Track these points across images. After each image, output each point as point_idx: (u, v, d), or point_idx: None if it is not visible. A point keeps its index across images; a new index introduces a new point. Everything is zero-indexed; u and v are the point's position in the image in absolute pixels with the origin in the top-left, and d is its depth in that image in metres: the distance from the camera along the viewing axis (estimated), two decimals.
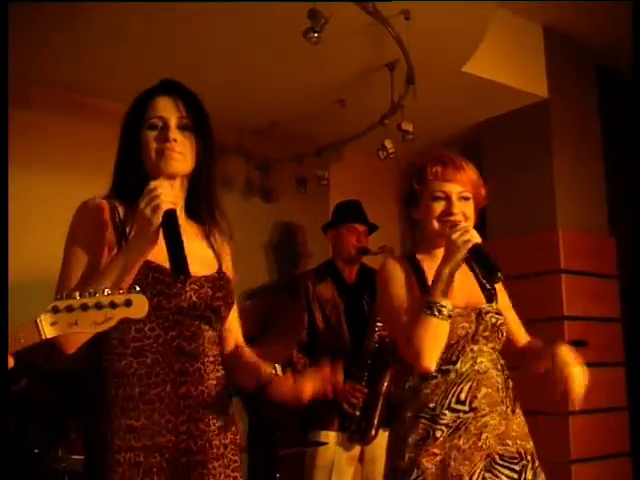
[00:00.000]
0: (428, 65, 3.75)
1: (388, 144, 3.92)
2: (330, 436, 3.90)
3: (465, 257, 2.22)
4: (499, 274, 2.18)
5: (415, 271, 2.39)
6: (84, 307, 1.61)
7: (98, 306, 1.62)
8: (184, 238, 1.85)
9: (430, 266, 2.35)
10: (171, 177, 2.00)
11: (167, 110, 2.01)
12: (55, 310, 1.60)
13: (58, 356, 1.90)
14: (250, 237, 4.43)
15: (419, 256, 2.44)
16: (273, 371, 2.07)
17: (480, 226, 4.67)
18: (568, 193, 4.46)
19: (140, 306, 1.65)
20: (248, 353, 2.22)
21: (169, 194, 1.84)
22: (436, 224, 2.37)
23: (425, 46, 3.58)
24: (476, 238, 2.21)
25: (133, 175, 1.99)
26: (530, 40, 4.46)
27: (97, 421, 1.96)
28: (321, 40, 2.97)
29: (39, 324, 1.58)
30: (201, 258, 2.08)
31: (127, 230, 1.96)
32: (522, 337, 2.53)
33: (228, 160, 4.62)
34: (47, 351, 1.80)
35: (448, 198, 2.35)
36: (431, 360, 2.21)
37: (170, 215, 1.80)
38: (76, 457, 2.90)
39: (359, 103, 4.15)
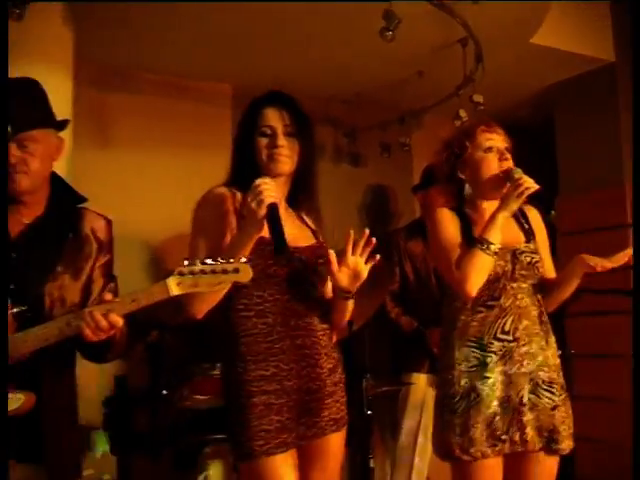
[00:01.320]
0: (498, 39, 4.04)
1: (462, 113, 4.24)
2: (421, 378, 4.29)
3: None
4: (553, 213, 2.56)
5: (462, 220, 2.73)
6: (203, 272, 2.06)
7: (213, 272, 2.07)
8: (287, 221, 2.31)
9: (475, 220, 2.72)
10: (279, 176, 2.44)
11: (274, 120, 2.45)
12: (180, 274, 2.06)
13: (184, 317, 2.38)
14: (341, 199, 4.73)
15: (467, 210, 2.77)
16: None
17: (553, 181, 5.00)
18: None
19: (246, 273, 2.09)
20: None
21: (272, 190, 2.25)
22: (494, 171, 2.68)
23: (495, 21, 3.88)
24: (534, 187, 2.57)
25: (247, 170, 2.43)
26: (596, 6, 4.65)
27: (234, 373, 2.42)
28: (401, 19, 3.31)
29: (167, 284, 2.06)
30: (303, 234, 2.54)
31: (241, 213, 2.40)
32: (551, 272, 2.86)
33: (318, 129, 4.99)
34: (172, 309, 2.29)
35: (498, 149, 2.70)
36: (473, 287, 2.58)
37: (272, 208, 2.22)
38: (199, 397, 3.41)
39: (436, 75, 4.43)
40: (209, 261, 2.07)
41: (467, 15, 3.70)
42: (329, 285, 2.57)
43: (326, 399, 2.47)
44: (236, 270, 2.06)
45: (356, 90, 4.86)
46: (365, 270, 2.46)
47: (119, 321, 2.06)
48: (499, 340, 2.64)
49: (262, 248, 2.32)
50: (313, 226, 2.62)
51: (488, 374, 2.62)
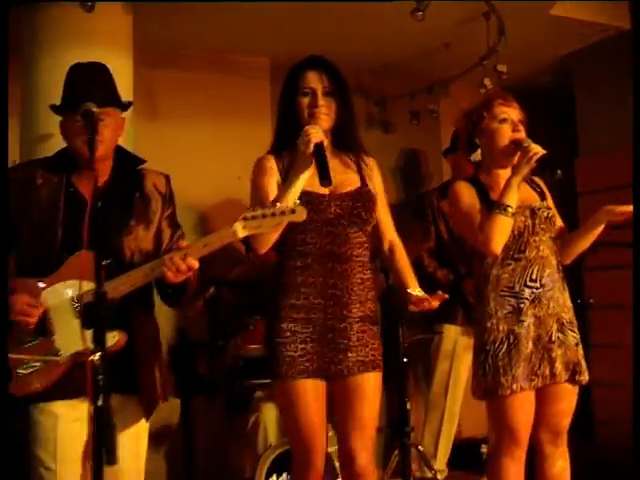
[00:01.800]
0: (519, 12, 4.31)
1: (487, 82, 4.55)
2: (452, 329, 4.65)
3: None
4: (559, 172, 2.89)
5: (478, 188, 3.06)
6: (264, 215, 2.41)
7: (273, 214, 2.41)
8: (332, 167, 2.61)
9: (491, 186, 3.05)
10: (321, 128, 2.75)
11: (315, 81, 2.78)
12: (245, 219, 2.40)
13: (238, 268, 2.74)
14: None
15: (482, 177, 3.10)
16: (416, 293, 2.88)
17: (572, 144, 5.26)
18: None
19: (300, 213, 2.42)
20: (399, 256, 2.99)
21: (318, 132, 2.60)
22: (506, 141, 3.01)
23: None
24: (541, 152, 2.89)
25: (291, 128, 2.75)
26: None
27: (273, 300, 2.80)
28: None
29: (235, 228, 2.41)
30: (345, 179, 2.83)
31: (288, 170, 2.74)
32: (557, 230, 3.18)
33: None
34: (227, 265, 2.65)
35: (512, 120, 3.02)
36: (498, 246, 2.92)
37: (318, 146, 2.56)
38: (251, 346, 3.76)
39: (462, 46, 4.67)
40: (269, 206, 2.43)
41: None
42: (382, 227, 2.94)
43: (352, 341, 2.76)
44: (292, 211, 2.41)
45: (386, 61, 5.12)
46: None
47: (195, 264, 2.42)
48: (528, 287, 2.98)
49: (301, 198, 2.62)
50: (364, 166, 2.91)
51: (523, 318, 2.97)
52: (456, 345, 4.65)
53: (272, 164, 2.82)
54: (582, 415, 4.16)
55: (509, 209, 2.90)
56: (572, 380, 3.03)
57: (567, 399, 3.07)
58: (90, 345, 2.18)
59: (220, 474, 4.27)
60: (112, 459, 1.95)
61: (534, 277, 3.00)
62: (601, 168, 5.00)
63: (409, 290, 2.89)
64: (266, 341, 2.84)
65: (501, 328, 2.98)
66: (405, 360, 3.94)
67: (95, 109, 2.42)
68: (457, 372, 4.67)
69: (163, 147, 4.42)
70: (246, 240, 2.51)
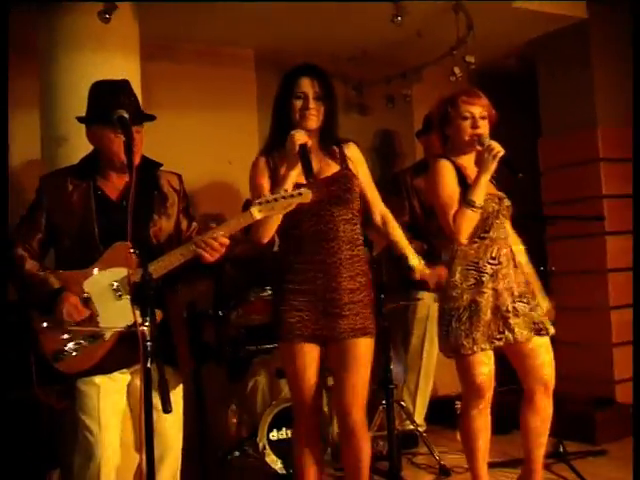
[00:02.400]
0: (486, 5, 4.72)
1: (457, 70, 4.92)
2: (426, 295, 5.05)
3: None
4: (520, 175, 3.30)
5: (455, 169, 3.47)
6: (276, 199, 2.85)
7: (284, 197, 2.85)
8: (318, 159, 3.11)
9: (461, 164, 3.47)
10: (309, 129, 3.17)
11: (307, 87, 3.18)
12: (259, 203, 2.84)
13: (240, 247, 3.12)
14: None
15: (451, 157, 3.50)
16: (416, 263, 3.32)
17: (535, 123, 5.64)
18: (605, 96, 5.31)
19: (306, 195, 2.87)
20: (392, 227, 3.43)
21: (302, 136, 3.03)
22: (466, 137, 3.45)
23: None
24: (502, 151, 3.31)
25: (283, 129, 3.16)
26: None
27: (275, 275, 3.24)
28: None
29: (251, 211, 2.84)
30: (326, 167, 3.24)
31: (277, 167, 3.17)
32: None
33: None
34: (232, 243, 3.02)
35: (473, 117, 3.44)
36: (464, 236, 3.36)
37: (302, 147, 3.00)
38: (252, 316, 4.15)
39: (434, 36, 4.98)
40: (280, 191, 2.88)
41: None
42: (371, 201, 3.37)
43: (344, 311, 3.16)
44: (299, 194, 2.85)
45: (363, 49, 5.45)
46: None
47: (226, 241, 2.86)
48: (489, 263, 3.44)
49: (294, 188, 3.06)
50: (346, 153, 3.30)
51: (483, 289, 3.42)
52: (430, 310, 5.08)
53: (263, 164, 3.25)
54: None
55: (477, 204, 3.34)
56: (538, 335, 3.49)
57: (543, 350, 3.52)
58: (130, 322, 2.62)
59: (225, 433, 4.69)
60: (168, 408, 2.36)
61: (494, 255, 3.46)
62: (562, 146, 5.44)
63: (410, 261, 3.31)
64: (272, 310, 3.28)
65: (465, 297, 3.43)
66: (386, 324, 4.39)
67: (126, 115, 2.79)
68: (431, 335, 5.08)
69: (157, 135, 4.72)
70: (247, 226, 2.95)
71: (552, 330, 3.53)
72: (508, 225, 3.55)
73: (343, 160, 3.28)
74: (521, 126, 5.76)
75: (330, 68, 5.43)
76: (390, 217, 3.45)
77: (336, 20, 4.93)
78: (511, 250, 3.51)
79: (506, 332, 3.42)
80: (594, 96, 5.32)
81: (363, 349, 3.20)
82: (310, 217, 3.16)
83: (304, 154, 3.00)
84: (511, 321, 3.41)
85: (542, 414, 3.57)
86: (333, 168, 3.26)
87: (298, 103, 3.18)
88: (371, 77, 5.74)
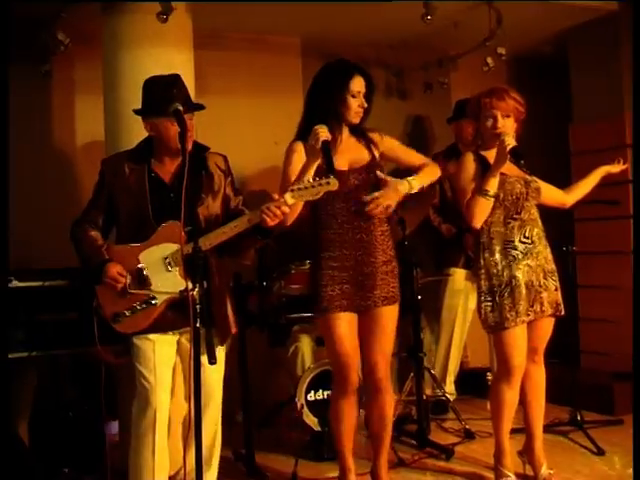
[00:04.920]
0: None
1: (489, 60, 5.20)
2: (457, 271, 5.40)
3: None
4: (522, 162, 3.59)
5: (480, 161, 3.76)
6: (306, 187, 3.17)
7: (313, 186, 3.17)
8: (348, 148, 3.44)
9: (487, 156, 3.74)
10: (354, 125, 3.51)
11: (361, 86, 3.48)
12: (292, 190, 3.17)
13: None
14: (392, 127, 5.30)
15: (481, 151, 3.80)
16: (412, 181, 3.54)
17: (568, 109, 5.83)
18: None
19: (334, 184, 3.17)
20: (428, 165, 3.70)
21: (325, 132, 3.26)
22: (488, 134, 3.75)
23: None
24: (512, 144, 3.56)
25: (326, 118, 3.41)
26: None
27: (314, 254, 3.57)
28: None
29: (286, 197, 3.16)
30: (359, 157, 3.55)
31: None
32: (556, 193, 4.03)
33: (372, 70, 5.93)
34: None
35: (494, 117, 3.72)
36: (477, 221, 3.66)
37: (325, 143, 3.25)
38: (292, 286, 4.48)
39: (469, 26, 5.25)
40: (310, 180, 3.18)
41: None
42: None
43: (378, 281, 3.51)
44: (327, 183, 3.16)
45: (403, 37, 5.69)
46: None
47: (287, 209, 3.19)
48: (522, 243, 3.74)
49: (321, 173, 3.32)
50: (375, 138, 3.59)
51: (520, 266, 3.72)
52: (460, 285, 5.41)
53: (299, 149, 3.52)
54: (570, 346, 4.93)
55: (490, 193, 3.62)
56: (554, 315, 3.82)
57: (547, 328, 3.85)
58: (179, 290, 3.01)
59: (267, 394, 5.08)
60: (212, 360, 2.74)
61: (527, 235, 3.75)
62: (591, 132, 5.68)
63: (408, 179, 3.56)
64: (310, 285, 3.60)
65: (505, 274, 3.72)
66: (419, 297, 4.72)
67: (181, 107, 3.15)
68: (463, 308, 5.44)
69: (208, 119, 5.08)
70: None
71: (563, 312, 3.84)
72: (535, 207, 3.82)
73: (370, 149, 3.59)
74: (554, 111, 6.02)
75: (371, 55, 5.90)
76: (432, 163, 3.75)
77: (378, 10, 5.13)
78: (542, 230, 3.81)
79: (535, 306, 3.73)
80: (622, 84, 5.51)
81: (391, 315, 3.57)
82: (346, 200, 3.48)
83: (326, 150, 3.22)
84: (542, 295, 3.73)
85: (537, 389, 3.90)
86: (364, 156, 3.57)
87: (354, 101, 3.46)
88: (410, 64, 6.05)
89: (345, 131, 3.53)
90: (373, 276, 3.52)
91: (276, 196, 3.20)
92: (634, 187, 4.95)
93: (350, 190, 3.47)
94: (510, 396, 3.81)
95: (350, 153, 3.52)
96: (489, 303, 3.74)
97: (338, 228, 3.51)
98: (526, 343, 3.76)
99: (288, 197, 3.18)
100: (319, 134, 3.25)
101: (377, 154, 3.60)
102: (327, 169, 3.22)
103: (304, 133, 3.48)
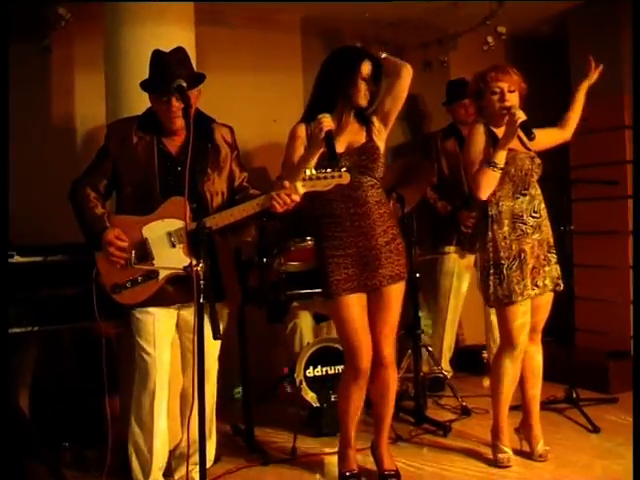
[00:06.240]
0: None
1: (490, 39, 5.27)
2: (451, 249, 5.45)
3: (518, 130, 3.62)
4: (532, 135, 3.59)
5: (489, 134, 3.79)
6: (318, 177, 3.18)
7: (325, 177, 3.18)
8: (349, 130, 3.45)
9: (496, 132, 3.76)
10: (360, 107, 3.51)
11: (369, 70, 3.50)
12: (304, 179, 3.18)
13: None
14: None
15: (490, 127, 3.82)
16: None
17: (566, 91, 5.86)
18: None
19: (346, 177, 3.20)
20: None
21: (329, 122, 3.29)
22: (496, 109, 3.76)
23: None
24: (522, 118, 3.60)
25: (333, 100, 3.48)
26: None
27: (317, 243, 3.61)
28: None
29: (297, 185, 3.18)
30: (355, 139, 3.57)
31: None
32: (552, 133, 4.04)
33: (371, 48, 5.94)
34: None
35: (501, 91, 3.75)
36: (484, 193, 3.69)
37: (328, 133, 3.27)
38: (291, 263, 4.50)
39: (469, 5, 5.26)
40: (322, 170, 3.19)
41: None
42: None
43: (382, 261, 3.54)
44: (340, 176, 3.19)
45: (403, 15, 5.69)
46: None
47: (297, 198, 3.21)
48: (532, 217, 3.80)
49: (323, 160, 3.37)
50: (376, 123, 3.61)
51: (528, 240, 3.78)
52: (456, 264, 5.45)
53: (302, 132, 3.56)
54: (565, 324, 4.97)
55: (498, 166, 3.65)
56: (554, 289, 3.86)
57: (546, 304, 3.90)
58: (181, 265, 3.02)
59: (266, 369, 5.12)
60: (217, 335, 2.77)
61: (536, 209, 3.81)
62: (590, 112, 5.65)
63: None
64: (318, 269, 3.63)
65: (514, 247, 3.77)
66: (417, 275, 4.75)
67: (184, 84, 3.15)
68: (456, 286, 5.49)
69: (210, 96, 5.09)
70: None
71: (562, 287, 3.89)
72: (537, 182, 3.87)
73: (369, 131, 3.61)
74: (553, 92, 6.01)
75: (371, 32, 5.89)
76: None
77: None
78: (546, 204, 3.85)
79: (539, 281, 3.79)
80: (621, 65, 5.51)
81: (397, 292, 3.62)
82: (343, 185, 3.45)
83: (329, 140, 3.26)
84: (547, 268, 3.80)
85: (534, 366, 3.97)
86: (360, 138, 3.59)
87: (363, 85, 3.49)
88: (409, 42, 5.96)
89: (351, 114, 3.56)
90: (377, 257, 3.55)
91: (287, 184, 3.21)
92: (634, 168, 4.96)
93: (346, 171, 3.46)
94: (512, 371, 3.87)
95: (349, 135, 3.55)
96: (497, 276, 3.78)
97: (336, 216, 3.54)
98: (529, 319, 3.81)
99: (299, 186, 3.19)
100: (323, 124, 3.27)
101: (375, 138, 3.61)
102: (329, 158, 3.26)
103: (311, 115, 3.50)
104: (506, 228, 3.77)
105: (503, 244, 3.77)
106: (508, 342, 3.82)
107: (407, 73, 3.63)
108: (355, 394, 3.64)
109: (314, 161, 3.34)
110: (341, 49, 3.66)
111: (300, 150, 3.49)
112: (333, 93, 3.52)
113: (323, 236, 3.57)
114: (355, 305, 3.55)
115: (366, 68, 3.50)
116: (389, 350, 3.64)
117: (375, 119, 3.64)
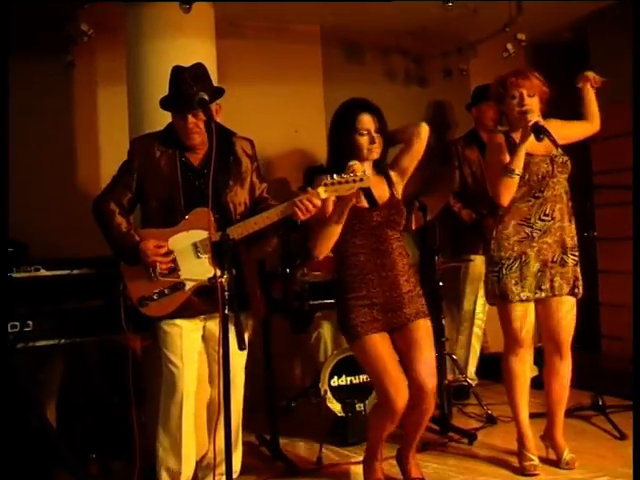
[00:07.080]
0: None
1: (509, 46, 5.24)
2: (477, 258, 5.33)
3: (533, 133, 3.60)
4: (541, 136, 3.57)
5: (508, 141, 3.77)
6: (339, 182, 3.17)
7: (347, 182, 3.17)
8: (374, 185, 3.36)
9: (515, 138, 3.74)
10: (371, 160, 3.48)
11: (369, 123, 3.43)
12: (325, 185, 3.18)
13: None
14: (410, 114, 5.48)
15: (510, 133, 3.80)
16: None
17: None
18: None
19: (366, 180, 3.17)
20: None
21: (361, 167, 3.27)
22: (515, 114, 3.75)
23: None
24: (533, 120, 3.59)
25: (344, 160, 3.34)
26: None
27: (340, 292, 3.53)
28: None
29: (319, 190, 3.19)
30: (382, 193, 3.51)
31: None
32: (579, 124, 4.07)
33: (391, 57, 6.01)
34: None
35: (520, 96, 3.74)
36: (504, 200, 3.69)
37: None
38: (315, 273, 4.55)
39: (489, 13, 5.27)
40: (344, 175, 3.17)
41: None
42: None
43: (404, 306, 3.47)
44: (361, 179, 3.18)
45: (423, 24, 5.71)
46: None
47: (319, 203, 3.21)
48: (541, 220, 3.78)
49: (353, 211, 3.37)
50: (394, 178, 3.58)
51: (534, 244, 3.77)
52: (480, 272, 5.41)
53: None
54: (590, 331, 4.95)
55: (515, 172, 3.65)
56: (572, 293, 3.83)
57: (566, 309, 3.84)
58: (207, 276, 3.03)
59: (290, 379, 5.14)
60: (242, 346, 2.78)
61: (547, 212, 3.78)
62: (610, 117, 5.64)
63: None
64: (340, 317, 3.56)
65: (516, 248, 3.78)
66: (440, 284, 4.75)
67: (206, 97, 3.18)
68: (482, 294, 5.44)
69: (231, 107, 5.11)
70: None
71: (582, 292, 3.86)
72: (564, 181, 3.82)
73: (391, 185, 3.59)
74: (574, 97, 5.99)
75: (391, 42, 5.92)
76: None
77: None
78: (567, 205, 3.82)
79: (546, 284, 3.76)
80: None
81: (426, 328, 3.53)
82: (368, 237, 3.47)
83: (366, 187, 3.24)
84: (554, 271, 3.76)
85: (562, 381, 3.91)
86: (386, 192, 3.56)
87: (364, 140, 3.43)
88: (429, 51, 6.06)
89: (368, 167, 3.47)
90: (400, 303, 3.50)
91: (309, 189, 3.23)
92: (634, 175, 4.91)
93: (373, 227, 3.48)
94: (519, 369, 3.88)
95: (373, 189, 3.43)
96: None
97: (362, 267, 3.49)
98: (533, 319, 3.82)
99: (321, 191, 3.20)
100: (357, 171, 3.23)
101: (396, 193, 3.59)
102: (369, 203, 3.35)
103: (331, 169, 3.38)
104: (510, 229, 3.79)
105: (506, 244, 3.78)
106: (510, 339, 3.86)
107: (425, 132, 3.58)
108: (388, 426, 3.55)
109: (347, 209, 3.34)
110: (342, 104, 3.56)
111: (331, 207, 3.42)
112: (340, 150, 3.49)
113: (347, 290, 3.50)
114: (382, 343, 3.46)
115: (363, 122, 3.43)
116: (431, 385, 3.46)
117: (393, 174, 3.61)
